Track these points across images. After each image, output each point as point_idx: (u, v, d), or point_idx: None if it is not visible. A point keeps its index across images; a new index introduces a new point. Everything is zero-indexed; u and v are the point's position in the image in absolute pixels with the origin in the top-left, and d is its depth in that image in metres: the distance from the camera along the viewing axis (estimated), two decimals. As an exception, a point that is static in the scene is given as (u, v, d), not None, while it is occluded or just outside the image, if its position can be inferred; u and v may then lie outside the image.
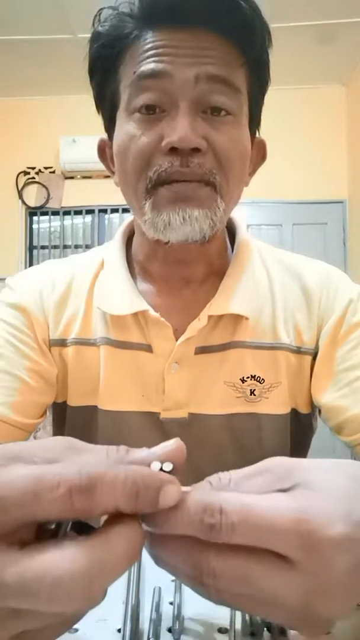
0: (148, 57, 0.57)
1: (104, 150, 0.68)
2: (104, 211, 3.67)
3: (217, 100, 0.57)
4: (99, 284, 0.69)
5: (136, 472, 0.25)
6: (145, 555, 0.48)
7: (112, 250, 0.71)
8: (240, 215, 0.71)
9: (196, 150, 0.56)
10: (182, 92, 0.56)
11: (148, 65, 0.56)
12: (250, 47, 0.58)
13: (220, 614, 0.39)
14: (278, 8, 2.57)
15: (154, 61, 0.56)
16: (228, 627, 0.38)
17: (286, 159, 3.21)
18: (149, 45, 0.57)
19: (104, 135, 0.67)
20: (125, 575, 0.44)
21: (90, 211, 3.67)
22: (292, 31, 2.78)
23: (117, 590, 0.42)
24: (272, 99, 0.67)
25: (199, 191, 0.58)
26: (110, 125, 0.63)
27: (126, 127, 0.59)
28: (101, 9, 0.60)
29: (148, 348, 0.65)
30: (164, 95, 0.56)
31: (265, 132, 0.67)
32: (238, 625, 0.38)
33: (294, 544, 0.25)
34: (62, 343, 0.67)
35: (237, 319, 0.65)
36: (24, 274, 0.73)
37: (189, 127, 0.55)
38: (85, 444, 0.28)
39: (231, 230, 0.73)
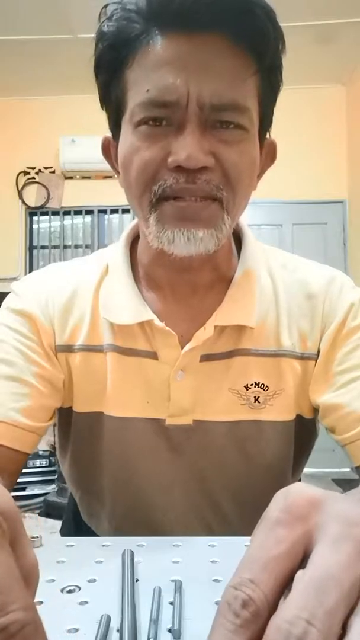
0: (158, 76, 0.54)
1: (108, 149, 0.66)
2: (104, 211, 3.68)
3: (226, 118, 0.55)
4: (103, 290, 0.68)
5: None
6: (146, 555, 0.48)
7: (116, 255, 0.70)
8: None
9: (204, 167, 0.55)
10: (191, 114, 0.54)
11: (159, 93, 0.54)
12: (264, 54, 0.55)
13: (220, 614, 0.38)
14: (278, 8, 2.56)
15: (165, 88, 0.54)
16: (228, 627, 0.38)
17: (286, 159, 3.18)
18: (159, 57, 0.55)
19: (106, 134, 0.66)
20: (120, 575, 0.44)
21: (89, 211, 3.68)
22: (292, 31, 2.77)
23: (116, 590, 0.42)
24: (272, 99, 0.66)
25: (205, 211, 0.57)
26: (115, 128, 0.62)
27: (131, 139, 0.58)
28: (106, 5, 0.57)
29: (154, 355, 0.65)
30: (172, 116, 0.55)
31: (264, 132, 0.66)
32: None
33: None
34: (69, 349, 0.67)
35: (242, 327, 0.65)
36: (28, 279, 0.72)
37: (197, 146, 0.53)
38: None
39: (236, 232, 0.72)
